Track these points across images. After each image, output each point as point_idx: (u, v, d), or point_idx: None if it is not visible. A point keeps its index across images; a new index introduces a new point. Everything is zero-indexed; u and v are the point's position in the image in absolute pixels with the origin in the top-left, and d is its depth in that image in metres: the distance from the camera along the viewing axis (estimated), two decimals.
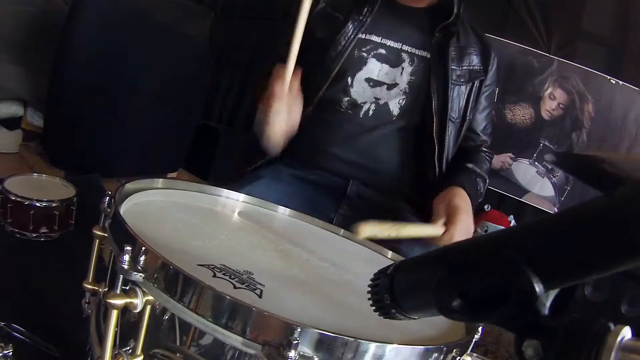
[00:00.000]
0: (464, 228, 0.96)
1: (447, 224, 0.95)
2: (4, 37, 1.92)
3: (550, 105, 2.22)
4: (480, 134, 1.21)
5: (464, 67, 1.13)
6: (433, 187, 1.11)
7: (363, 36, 1.12)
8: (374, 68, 1.11)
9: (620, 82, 2.11)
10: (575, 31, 2.18)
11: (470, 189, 1.05)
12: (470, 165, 1.15)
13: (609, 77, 2.12)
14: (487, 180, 1.20)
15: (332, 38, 1.10)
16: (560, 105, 2.21)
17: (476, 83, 1.15)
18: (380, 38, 1.12)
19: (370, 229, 0.82)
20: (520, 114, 2.27)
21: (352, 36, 1.10)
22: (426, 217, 1.10)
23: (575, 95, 2.18)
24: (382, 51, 1.12)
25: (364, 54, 1.11)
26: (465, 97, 1.14)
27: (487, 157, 1.23)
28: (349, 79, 1.11)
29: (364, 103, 1.11)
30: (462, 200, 1.00)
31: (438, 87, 1.10)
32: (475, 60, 1.15)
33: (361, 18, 1.11)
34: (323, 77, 1.10)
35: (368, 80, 1.11)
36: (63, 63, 1.83)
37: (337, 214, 1.11)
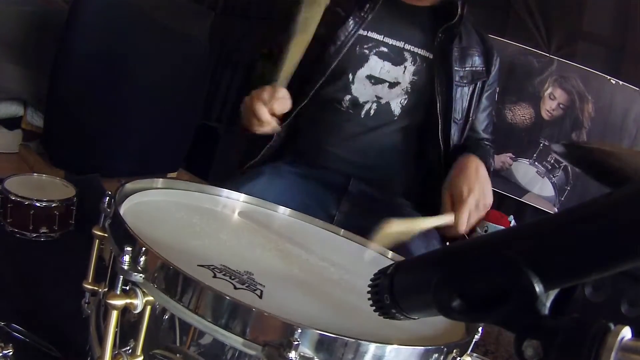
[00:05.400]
0: (470, 209, 0.94)
1: (454, 211, 0.94)
2: (4, 37, 1.92)
3: (550, 105, 2.22)
4: (482, 133, 1.22)
5: (466, 68, 1.13)
6: (436, 184, 1.11)
7: (364, 33, 1.11)
8: (376, 65, 1.11)
9: (620, 82, 2.11)
10: (575, 31, 2.18)
11: (480, 155, 1.04)
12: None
13: (609, 77, 2.12)
14: (494, 153, 1.20)
15: (331, 34, 1.10)
16: (560, 105, 2.21)
17: (479, 84, 1.15)
18: (382, 36, 1.12)
19: (388, 236, 0.82)
20: (520, 114, 2.27)
21: (352, 32, 1.10)
22: (428, 213, 1.10)
23: (575, 95, 2.18)
24: (384, 49, 1.12)
25: (366, 51, 1.11)
26: (468, 98, 1.14)
27: (488, 147, 1.22)
28: (350, 76, 1.11)
29: (366, 102, 1.11)
30: (466, 176, 0.98)
31: (442, 88, 1.10)
32: (477, 61, 1.15)
33: (362, 14, 1.11)
34: (320, 72, 1.10)
35: (369, 77, 1.11)
36: (63, 63, 1.83)
37: (338, 211, 1.11)
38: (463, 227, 0.94)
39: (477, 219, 0.97)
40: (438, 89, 1.10)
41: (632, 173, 0.41)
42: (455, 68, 1.10)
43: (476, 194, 0.96)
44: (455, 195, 0.97)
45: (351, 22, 1.10)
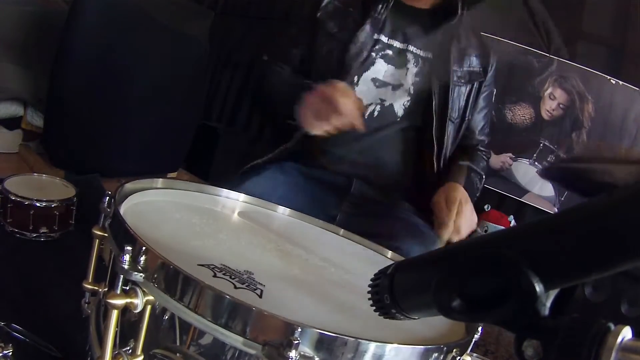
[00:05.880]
0: (467, 217, 0.97)
1: (451, 215, 0.96)
2: (4, 37, 1.92)
3: (550, 105, 2.22)
4: (478, 134, 1.22)
5: (464, 68, 1.14)
6: (432, 184, 1.11)
7: (375, 36, 1.12)
8: (381, 69, 1.12)
9: (620, 82, 2.11)
10: (575, 31, 2.18)
11: (466, 186, 1.06)
12: (465, 163, 1.16)
13: (609, 77, 2.12)
14: (484, 177, 1.21)
15: (351, 35, 1.10)
16: (560, 105, 2.21)
17: (476, 84, 1.17)
18: (388, 38, 1.13)
19: None
20: (520, 114, 2.27)
21: (370, 34, 1.11)
22: (427, 214, 1.11)
23: (575, 95, 2.18)
24: (389, 52, 1.12)
25: (373, 54, 1.12)
26: (465, 97, 1.15)
27: (484, 157, 1.23)
28: (355, 78, 1.11)
29: (369, 104, 1.12)
30: (460, 193, 1.01)
31: (439, 87, 1.11)
32: (475, 62, 1.16)
33: (377, 16, 1.11)
34: (343, 75, 1.10)
35: (374, 80, 1.12)
36: (63, 63, 1.83)
37: (340, 212, 1.11)
38: (461, 230, 0.95)
39: (468, 232, 0.98)
40: (435, 88, 1.10)
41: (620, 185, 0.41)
42: (454, 68, 1.11)
43: (470, 206, 1.00)
44: (451, 200, 0.98)
45: (369, 25, 1.11)
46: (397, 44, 1.13)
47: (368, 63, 1.11)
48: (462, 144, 1.20)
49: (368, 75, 1.11)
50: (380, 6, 1.12)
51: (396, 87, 1.11)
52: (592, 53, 2.17)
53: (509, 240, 0.35)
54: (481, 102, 1.20)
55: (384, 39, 1.12)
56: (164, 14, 2.21)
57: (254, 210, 0.90)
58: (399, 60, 1.12)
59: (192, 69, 2.36)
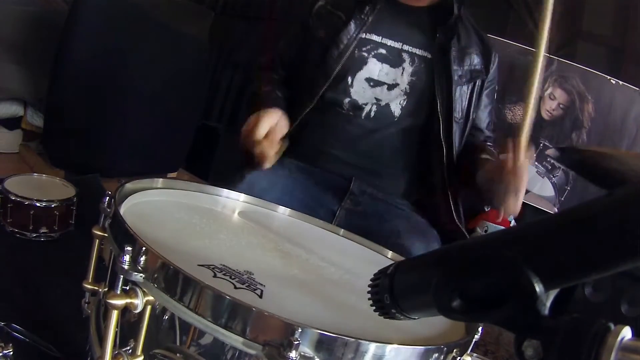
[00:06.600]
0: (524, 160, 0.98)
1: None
2: (4, 37, 1.92)
3: (550, 105, 2.22)
4: (485, 131, 1.22)
5: (465, 67, 1.12)
6: (437, 188, 1.11)
7: (364, 35, 1.11)
8: (374, 68, 1.11)
9: (620, 82, 2.11)
10: (575, 31, 2.18)
11: None
12: (485, 157, 1.13)
13: (609, 77, 2.12)
14: None
15: (334, 38, 1.10)
16: (560, 105, 2.21)
17: (478, 82, 1.15)
18: (381, 37, 1.12)
19: None
20: (520, 114, 2.26)
21: (354, 35, 1.10)
22: (428, 217, 1.10)
23: (575, 95, 2.18)
24: (383, 51, 1.11)
25: (364, 54, 1.11)
26: (468, 96, 1.14)
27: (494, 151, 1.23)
28: (349, 79, 1.11)
29: (365, 104, 1.11)
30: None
31: (442, 88, 1.10)
32: (476, 60, 1.14)
33: (363, 17, 1.11)
34: (324, 77, 1.10)
35: (368, 80, 1.11)
36: (63, 63, 1.83)
37: (340, 208, 1.11)
38: (520, 161, 0.96)
39: (521, 189, 1.01)
40: (438, 89, 1.09)
41: (631, 175, 0.41)
42: (454, 67, 1.10)
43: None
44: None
45: (352, 25, 1.10)
46: (391, 42, 1.11)
47: (360, 63, 1.10)
48: (470, 142, 1.19)
49: (361, 75, 1.11)
50: (367, 7, 1.11)
51: (392, 86, 1.11)
52: (592, 53, 2.17)
53: (508, 240, 0.35)
54: (485, 100, 1.19)
55: (376, 38, 1.11)
56: (164, 14, 2.21)
57: (254, 210, 0.90)
58: (393, 59, 1.11)
59: (192, 69, 2.36)
